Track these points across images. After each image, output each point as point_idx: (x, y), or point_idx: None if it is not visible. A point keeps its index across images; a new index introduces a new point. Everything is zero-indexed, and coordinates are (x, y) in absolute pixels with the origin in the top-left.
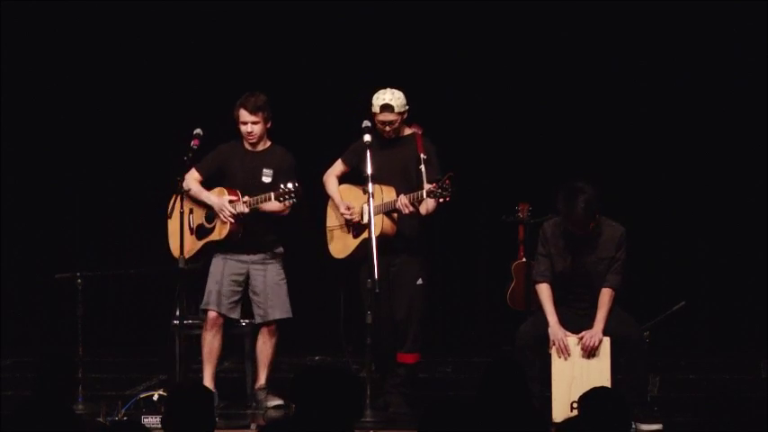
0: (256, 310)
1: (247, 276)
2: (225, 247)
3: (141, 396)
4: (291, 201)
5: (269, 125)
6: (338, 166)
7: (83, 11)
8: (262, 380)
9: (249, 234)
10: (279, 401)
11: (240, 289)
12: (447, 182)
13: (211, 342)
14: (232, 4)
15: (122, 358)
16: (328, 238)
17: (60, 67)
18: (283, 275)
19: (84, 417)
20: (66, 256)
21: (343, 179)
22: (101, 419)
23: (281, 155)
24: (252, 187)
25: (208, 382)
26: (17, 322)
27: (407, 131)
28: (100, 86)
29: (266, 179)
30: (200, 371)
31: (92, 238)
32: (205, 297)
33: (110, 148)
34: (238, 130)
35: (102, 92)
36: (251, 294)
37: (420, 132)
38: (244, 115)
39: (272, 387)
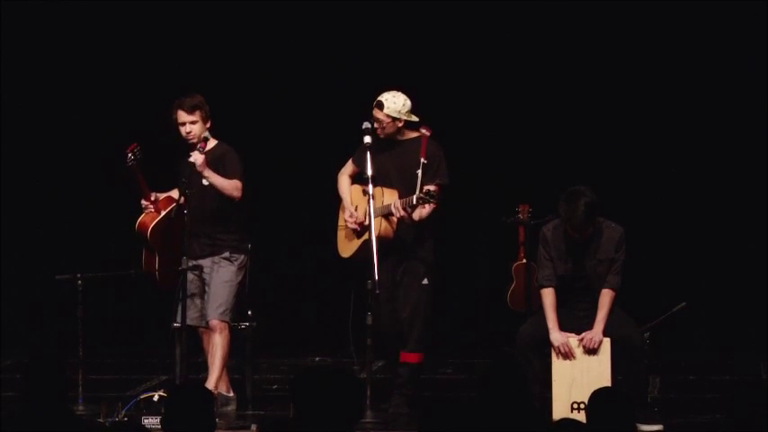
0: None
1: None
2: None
3: (141, 397)
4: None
5: (208, 125)
6: (349, 166)
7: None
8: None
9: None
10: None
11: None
12: (435, 189)
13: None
14: (240, 5)
15: (122, 359)
16: (338, 237)
17: (60, 66)
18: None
19: (84, 417)
20: (66, 256)
21: (355, 179)
22: (101, 420)
23: (225, 152)
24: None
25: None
26: (17, 322)
27: (414, 134)
28: (100, 87)
29: (205, 182)
30: (203, 371)
31: (92, 238)
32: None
33: (110, 147)
34: (178, 131)
35: (103, 92)
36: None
37: (428, 135)
38: (182, 116)
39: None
